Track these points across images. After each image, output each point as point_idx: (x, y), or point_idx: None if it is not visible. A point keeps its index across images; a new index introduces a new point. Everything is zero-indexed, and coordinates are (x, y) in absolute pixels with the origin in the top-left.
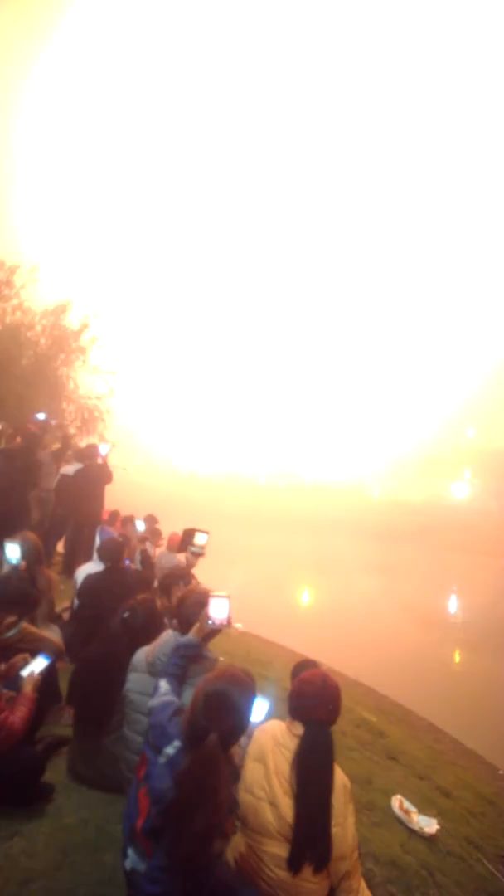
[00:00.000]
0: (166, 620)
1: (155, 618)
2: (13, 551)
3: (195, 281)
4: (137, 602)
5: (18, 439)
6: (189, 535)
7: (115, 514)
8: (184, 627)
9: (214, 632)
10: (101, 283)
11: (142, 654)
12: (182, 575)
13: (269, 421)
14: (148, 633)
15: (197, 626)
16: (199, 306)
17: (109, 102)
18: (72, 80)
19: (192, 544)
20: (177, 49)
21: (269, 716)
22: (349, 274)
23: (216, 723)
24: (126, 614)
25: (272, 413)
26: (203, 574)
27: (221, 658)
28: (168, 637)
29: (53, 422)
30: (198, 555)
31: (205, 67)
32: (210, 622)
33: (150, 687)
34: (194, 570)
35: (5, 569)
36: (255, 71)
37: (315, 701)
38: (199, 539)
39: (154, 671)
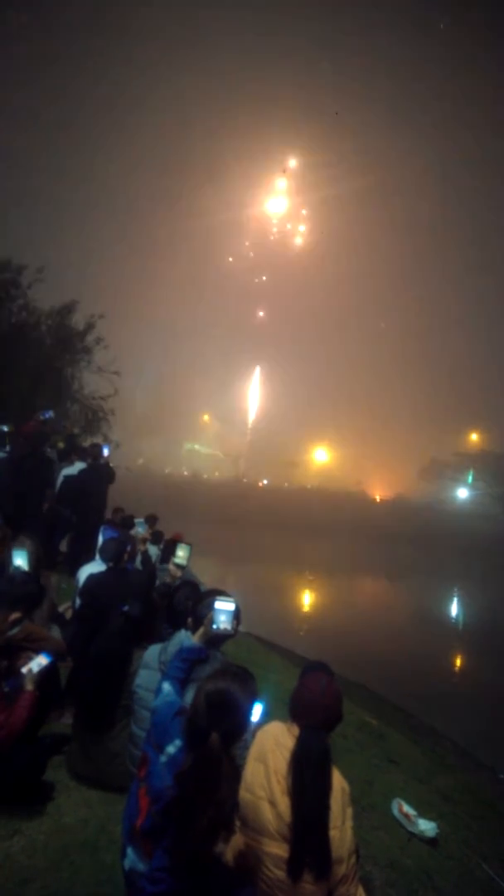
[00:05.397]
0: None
1: (153, 609)
2: (17, 554)
3: (197, 281)
4: (136, 595)
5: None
6: (171, 545)
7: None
8: (197, 628)
9: (222, 636)
10: (108, 283)
11: (155, 651)
12: (191, 582)
13: (272, 421)
14: (147, 624)
15: (202, 629)
16: (201, 305)
17: (114, 107)
18: (73, 83)
19: (175, 555)
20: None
21: (266, 718)
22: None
23: (217, 722)
24: (125, 607)
25: (274, 413)
26: (205, 574)
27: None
28: (181, 637)
29: (63, 423)
30: (181, 566)
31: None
32: (214, 627)
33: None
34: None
35: (9, 570)
36: None
37: (312, 704)
38: (182, 550)
39: (165, 669)
